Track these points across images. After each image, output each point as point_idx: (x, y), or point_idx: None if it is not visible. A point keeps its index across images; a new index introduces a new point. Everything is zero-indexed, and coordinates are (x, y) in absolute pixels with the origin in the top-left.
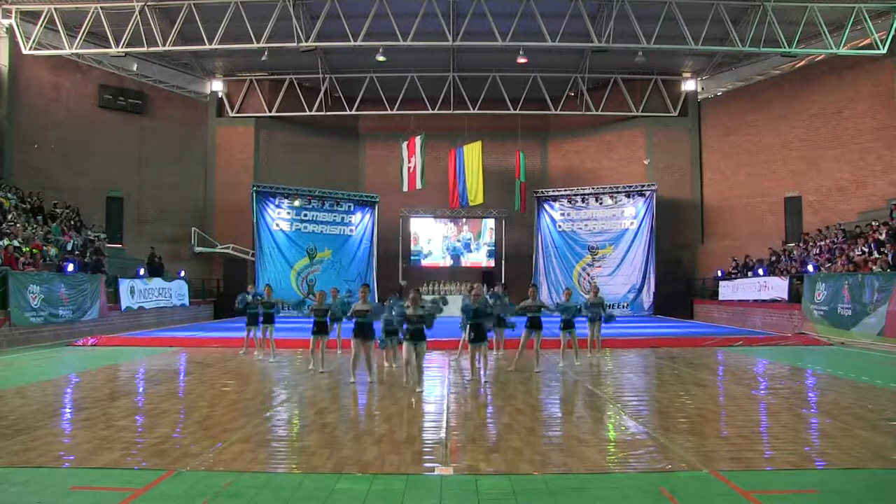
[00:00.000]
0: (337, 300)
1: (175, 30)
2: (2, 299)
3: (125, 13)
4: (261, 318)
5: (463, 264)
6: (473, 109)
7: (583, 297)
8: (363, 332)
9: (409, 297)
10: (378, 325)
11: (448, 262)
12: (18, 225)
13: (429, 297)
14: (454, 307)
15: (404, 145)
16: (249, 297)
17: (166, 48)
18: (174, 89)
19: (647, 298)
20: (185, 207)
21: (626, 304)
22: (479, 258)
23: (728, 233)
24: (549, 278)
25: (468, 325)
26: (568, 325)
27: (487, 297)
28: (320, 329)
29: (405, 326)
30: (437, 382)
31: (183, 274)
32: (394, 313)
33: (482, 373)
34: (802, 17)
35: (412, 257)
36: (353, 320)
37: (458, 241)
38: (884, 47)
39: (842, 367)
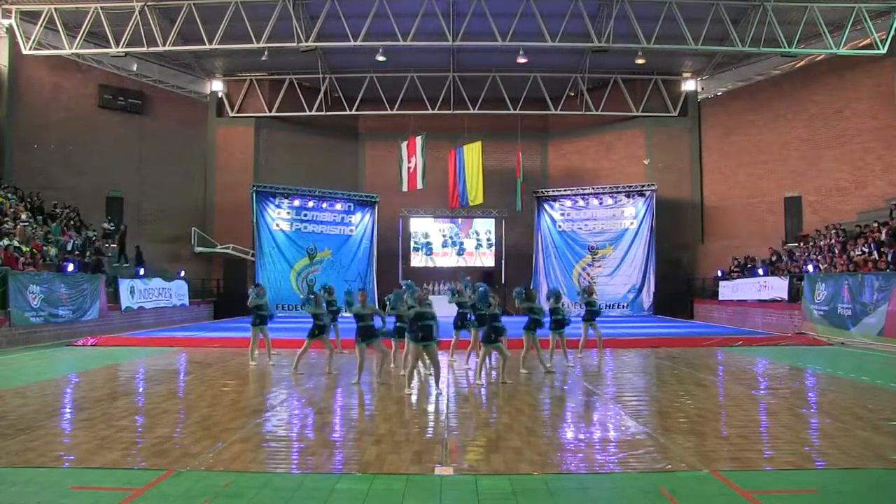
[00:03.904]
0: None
1: (175, 30)
2: (2, 299)
3: (125, 13)
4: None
5: (463, 262)
6: (473, 109)
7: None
8: (366, 334)
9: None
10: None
11: (448, 261)
12: (22, 224)
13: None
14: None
15: (404, 145)
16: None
17: (166, 48)
18: (174, 89)
19: (647, 298)
20: (185, 207)
21: (626, 304)
22: (479, 254)
23: (728, 233)
24: (548, 278)
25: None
26: (558, 326)
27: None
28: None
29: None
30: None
31: (183, 274)
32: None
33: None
34: (802, 17)
35: (413, 261)
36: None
37: (456, 235)
38: (884, 47)
39: (841, 367)
